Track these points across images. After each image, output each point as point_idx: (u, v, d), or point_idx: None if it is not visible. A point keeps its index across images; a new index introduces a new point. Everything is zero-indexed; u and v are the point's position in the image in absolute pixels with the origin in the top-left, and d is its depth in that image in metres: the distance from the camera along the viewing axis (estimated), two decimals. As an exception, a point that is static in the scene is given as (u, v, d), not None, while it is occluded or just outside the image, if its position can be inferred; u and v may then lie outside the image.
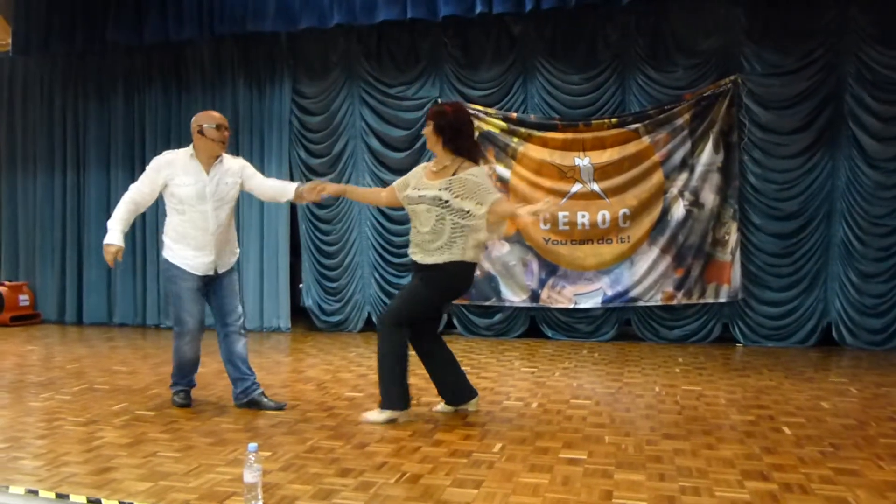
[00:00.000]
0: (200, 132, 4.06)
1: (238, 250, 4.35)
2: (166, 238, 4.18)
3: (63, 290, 8.26)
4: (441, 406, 4.12)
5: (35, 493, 2.80)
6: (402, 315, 3.87)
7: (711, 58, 6.39)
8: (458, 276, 3.87)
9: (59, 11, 7.65)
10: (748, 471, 3.05)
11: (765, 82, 6.24)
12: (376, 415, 3.86)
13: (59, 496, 2.76)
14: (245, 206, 7.42)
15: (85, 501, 2.71)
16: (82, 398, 4.45)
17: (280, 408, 4.14)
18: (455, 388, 4.08)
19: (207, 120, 4.08)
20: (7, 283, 8.14)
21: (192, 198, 4.04)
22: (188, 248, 4.08)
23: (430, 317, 4.05)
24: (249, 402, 4.16)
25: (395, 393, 3.85)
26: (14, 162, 8.56)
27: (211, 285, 4.17)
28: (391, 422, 3.82)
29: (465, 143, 3.87)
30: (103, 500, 2.70)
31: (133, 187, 4.13)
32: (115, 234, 3.98)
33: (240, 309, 4.21)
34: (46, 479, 2.96)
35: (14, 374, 5.25)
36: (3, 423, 3.90)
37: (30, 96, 8.47)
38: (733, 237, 6.36)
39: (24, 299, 8.14)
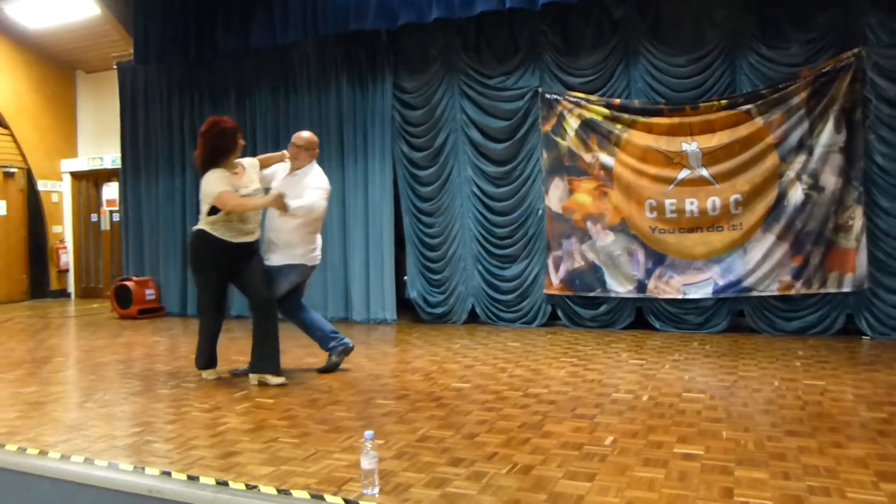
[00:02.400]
0: None
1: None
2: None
3: (184, 284, 8.77)
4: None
5: (168, 474, 2.99)
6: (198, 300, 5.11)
7: (830, 30, 5.99)
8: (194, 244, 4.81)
9: (174, 23, 8.13)
10: (884, 472, 2.86)
11: (892, 54, 5.79)
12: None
13: (191, 478, 2.94)
14: (350, 201, 7.64)
15: (214, 483, 2.86)
16: (206, 386, 4.72)
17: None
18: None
19: None
20: (135, 278, 8.73)
21: None
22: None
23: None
24: None
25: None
26: (137, 165, 9.16)
27: None
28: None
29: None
30: (230, 483, 2.85)
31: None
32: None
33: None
34: (178, 462, 3.15)
35: (144, 364, 5.62)
36: (136, 408, 4.18)
37: (150, 103, 9.04)
38: (858, 222, 5.95)
39: (149, 293, 8.70)
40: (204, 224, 4.67)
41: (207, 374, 4.93)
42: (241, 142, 4.78)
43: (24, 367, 5.54)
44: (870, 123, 5.89)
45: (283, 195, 4.63)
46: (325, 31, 7.31)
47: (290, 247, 4.89)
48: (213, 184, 4.61)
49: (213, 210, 4.61)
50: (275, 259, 4.92)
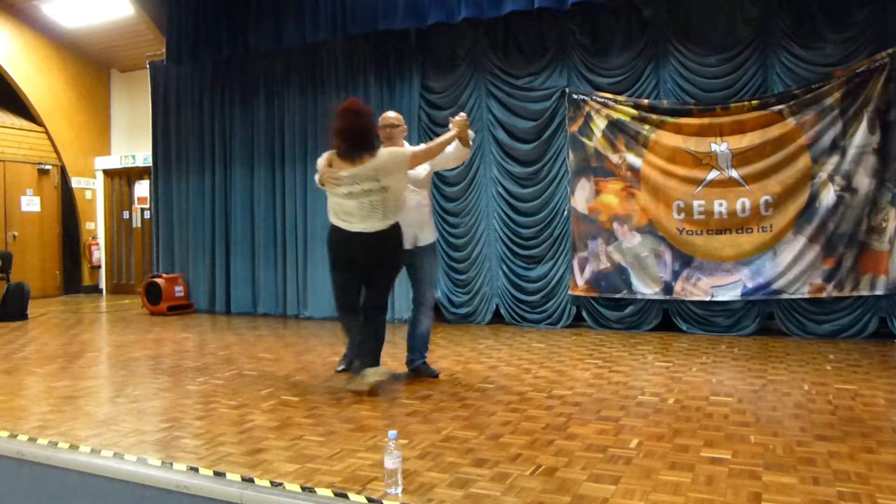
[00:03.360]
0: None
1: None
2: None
3: (213, 281, 8.88)
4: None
5: (196, 470, 3.03)
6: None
7: (866, 30, 5.88)
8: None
9: (206, 23, 8.24)
10: (916, 479, 2.80)
11: (929, 54, 5.68)
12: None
13: (217, 474, 2.97)
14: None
15: (240, 480, 2.90)
16: (233, 383, 4.77)
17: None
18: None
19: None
20: (164, 275, 8.86)
21: None
22: None
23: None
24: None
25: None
26: (169, 163, 9.29)
27: None
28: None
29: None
30: (256, 480, 2.89)
31: None
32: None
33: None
34: (205, 458, 3.19)
35: (173, 360, 5.70)
36: (165, 404, 4.25)
37: (182, 102, 9.17)
38: (892, 224, 5.84)
39: (179, 290, 8.82)
40: (397, 215, 4.32)
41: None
42: None
43: (58, 361, 5.66)
44: (905, 124, 5.77)
45: (467, 119, 4.60)
46: (354, 30, 7.36)
47: (432, 216, 4.91)
48: (397, 150, 4.43)
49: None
50: (427, 235, 4.76)
